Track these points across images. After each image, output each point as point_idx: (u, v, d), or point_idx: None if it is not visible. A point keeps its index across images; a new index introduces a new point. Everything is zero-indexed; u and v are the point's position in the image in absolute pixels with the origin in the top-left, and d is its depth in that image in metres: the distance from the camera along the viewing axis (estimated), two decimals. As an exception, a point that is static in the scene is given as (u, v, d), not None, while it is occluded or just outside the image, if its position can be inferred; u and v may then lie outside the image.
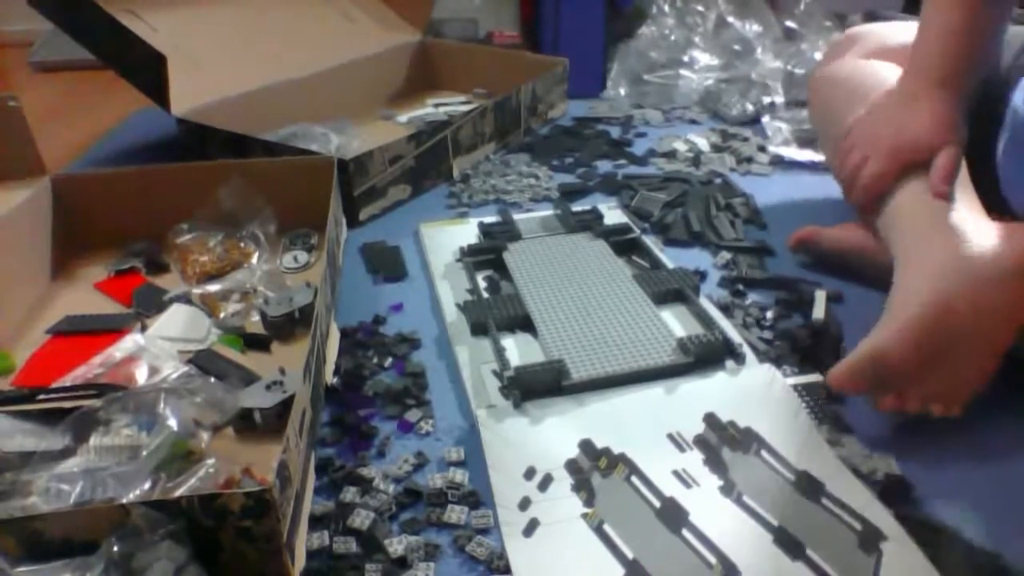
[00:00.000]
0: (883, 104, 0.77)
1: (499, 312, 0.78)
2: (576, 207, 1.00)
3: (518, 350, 0.75)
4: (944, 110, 0.72)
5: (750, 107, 1.36)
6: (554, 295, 0.81)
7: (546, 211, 1.03)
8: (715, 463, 0.60)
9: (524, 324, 0.78)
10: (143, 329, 0.80)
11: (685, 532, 0.54)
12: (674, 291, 0.81)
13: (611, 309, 0.78)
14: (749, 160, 1.19)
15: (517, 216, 0.98)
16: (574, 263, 0.87)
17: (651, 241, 0.94)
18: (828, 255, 0.86)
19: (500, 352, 0.72)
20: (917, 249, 0.66)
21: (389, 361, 0.74)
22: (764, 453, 0.61)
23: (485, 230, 0.95)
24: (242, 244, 0.91)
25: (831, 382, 0.64)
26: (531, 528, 0.55)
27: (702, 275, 0.86)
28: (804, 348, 0.73)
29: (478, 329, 0.77)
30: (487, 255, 0.91)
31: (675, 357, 0.70)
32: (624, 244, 0.92)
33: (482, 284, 0.86)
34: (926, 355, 0.61)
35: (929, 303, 0.61)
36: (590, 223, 0.95)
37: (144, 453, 0.57)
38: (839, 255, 0.85)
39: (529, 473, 0.60)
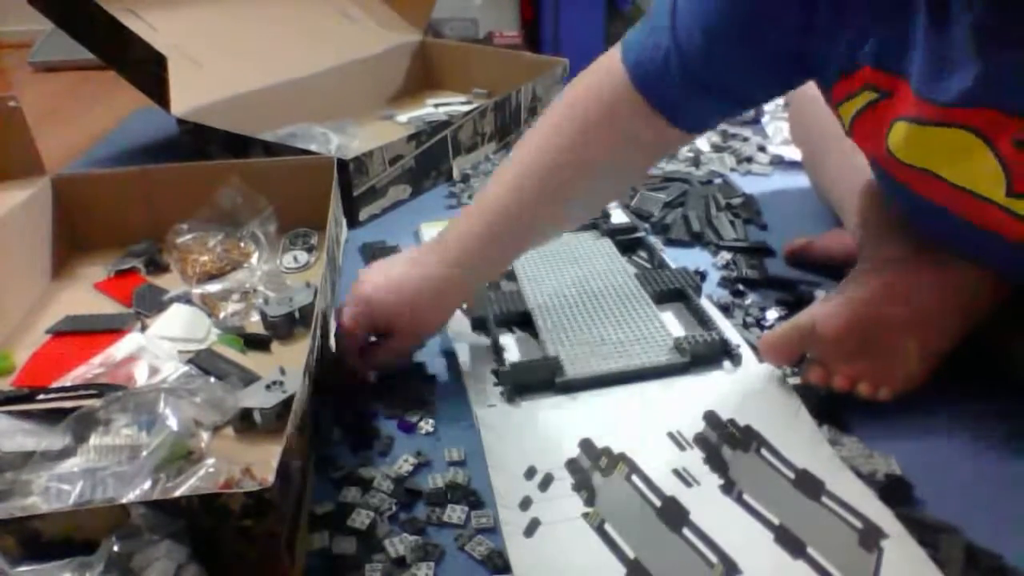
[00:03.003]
0: None
1: (499, 309, 0.78)
2: (576, 207, 1.00)
3: (518, 348, 0.75)
4: None
5: (750, 107, 1.36)
6: (556, 293, 0.81)
7: (546, 211, 1.02)
8: (715, 462, 0.60)
9: (524, 321, 0.78)
10: (143, 329, 0.80)
11: (686, 531, 0.54)
12: (675, 291, 0.81)
13: (611, 307, 0.78)
14: (749, 160, 1.19)
15: (518, 216, 0.98)
16: (578, 261, 0.87)
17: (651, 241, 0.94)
18: (820, 263, 0.87)
19: (497, 348, 0.72)
20: (876, 247, 0.70)
21: (389, 361, 0.74)
22: (764, 451, 0.61)
23: (485, 230, 0.95)
24: (242, 244, 0.91)
25: (760, 346, 0.67)
26: (532, 528, 0.55)
27: (702, 275, 0.86)
28: (804, 348, 0.73)
29: (478, 326, 0.77)
30: (487, 254, 0.90)
31: (671, 356, 0.70)
32: (629, 243, 0.92)
33: (482, 283, 0.86)
34: (858, 336, 0.62)
35: (869, 290, 0.63)
36: (596, 221, 0.95)
37: (144, 453, 0.57)
38: (830, 263, 0.85)
39: (530, 472, 0.60)
